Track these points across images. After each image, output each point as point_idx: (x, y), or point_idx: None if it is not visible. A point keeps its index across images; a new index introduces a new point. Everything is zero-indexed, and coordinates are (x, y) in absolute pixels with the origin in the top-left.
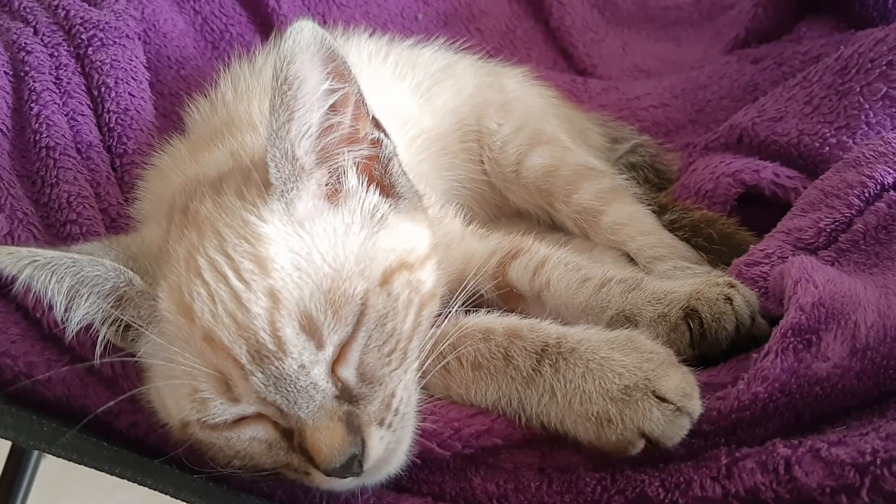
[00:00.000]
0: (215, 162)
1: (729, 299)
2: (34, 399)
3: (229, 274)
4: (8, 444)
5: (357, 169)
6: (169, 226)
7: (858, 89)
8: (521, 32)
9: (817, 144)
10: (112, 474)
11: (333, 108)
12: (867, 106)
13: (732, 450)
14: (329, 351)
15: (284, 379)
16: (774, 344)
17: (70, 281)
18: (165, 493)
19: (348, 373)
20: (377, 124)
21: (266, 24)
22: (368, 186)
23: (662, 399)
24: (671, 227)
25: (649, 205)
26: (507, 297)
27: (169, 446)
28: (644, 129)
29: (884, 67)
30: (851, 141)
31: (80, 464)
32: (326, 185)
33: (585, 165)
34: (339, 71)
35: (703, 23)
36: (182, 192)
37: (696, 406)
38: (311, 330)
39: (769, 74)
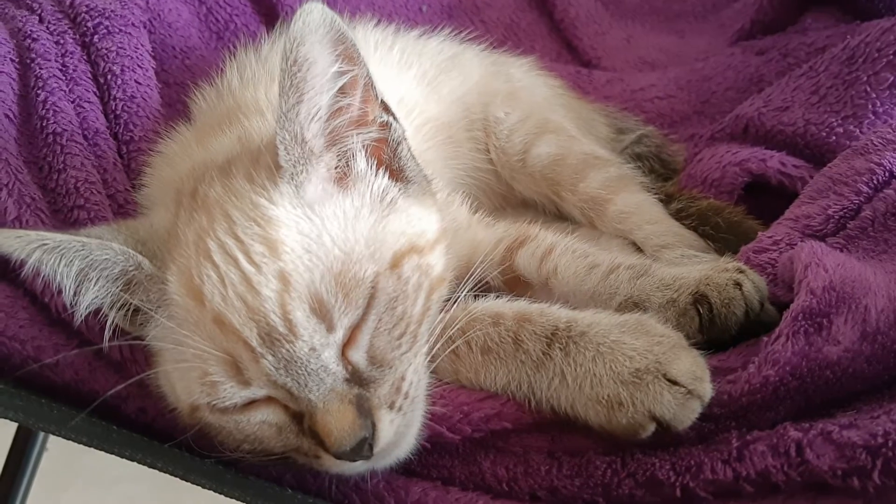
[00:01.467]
0: (222, 147)
1: (738, 284)
2: (42, 383)
3: (239, 256)
4: (10, 438)
5: (366, 152)
6: (178, 209)
7: (865, 79)
8: (524, 24)
9: (824, 134)
10: (122, 457)
11: (343, 91)
12: (874, 95)
13: (743, 433)
14: (340, 334)
15: (295, 362)
16: (785, 327)
17: (79, 265)
18: (175, 476)
19: (359, 356)
20: (386, 108)
21: (271, 15)
22: (377, 170)
23: (673, 382)
24: (678, 215)
25: (656, 194)
26: (514, 285)
27: (177, 431)
28: (649, 121)
29: (891, 57)
30: (858, 130)
31: (90, 446)
32: (336, 168)
33: (592, 154)
34: (348, 53)
35: (706, 15)
36: (190, 177)
37: (707, 389)
38: (322, 313)
39: (774, 66)
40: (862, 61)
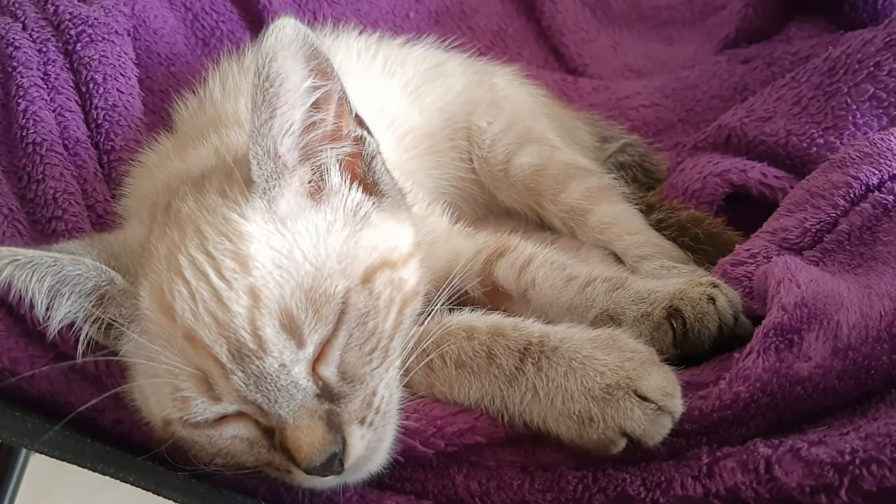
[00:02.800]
0: (200, 159)
1: (712, 299)
2: (18, 396)
3: (210, 272)
4: None
5: (340, 166)
6: (151, 224)
7: (846, 90)
8: (512, 31)
9: (805, 145)
10: (95, 471)
11: (316, 106)
12: (854, 107)
13: (714, 449)
14: (310, 350)
15: (265, 378)
16: (756, 344)
17: (51, 280)
18: (147, 490)
19: (329, 371)
20: (360, 122)
21: (257, 22)
22: (351, 184)
23: (644, 398)
24: (658, 226)
25: (637, 204)
26: (493, 296)
27: (153, 443)
28: (634, 129)
29: (871, 68)
30: (839, 141)
31: (63, 460)
32: (309, 182)
33: (574, 164)
34: (321, 68)
35: (694, 22)
36: (165, 190)
37: (677, 405)
38: (292, 329)
39: (759, 74)
40: (843, 72)
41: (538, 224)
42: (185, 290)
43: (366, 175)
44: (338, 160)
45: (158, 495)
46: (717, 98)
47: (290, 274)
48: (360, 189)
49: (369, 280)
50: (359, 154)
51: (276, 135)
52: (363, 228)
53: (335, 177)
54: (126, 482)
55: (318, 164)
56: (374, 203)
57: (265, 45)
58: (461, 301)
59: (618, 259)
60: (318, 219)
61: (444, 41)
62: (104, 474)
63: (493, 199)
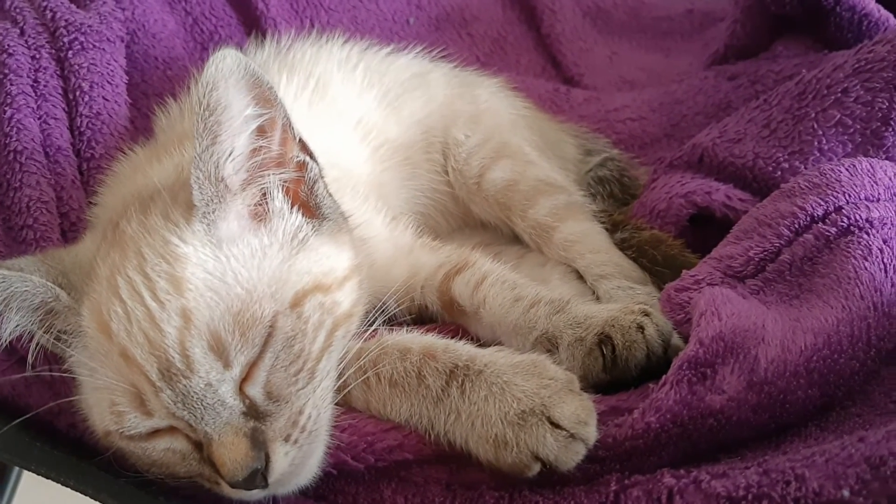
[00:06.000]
0: (161, 174)
1: (641, 328)
2: None
3: (145, 293)
4: None
5: (282, 190)
6: (101, 242)
7: (813, 115)
8: (512, 39)
9: (770, 168)
10: (38, 474)
11: (261, 132)
12: (821, 132)
13: (624, 476)
14: (236, 370)
15: (191, 396)
16: (671, 375)
17: (1, 295)
18: (86, 495)
19: (255, 391)
20: (304, 147)
21: (255, 27)
22: (292, 208)
23: (556, 425)
24: (622, 245)
25: (603, 222)
26: (451, 311)
27: (104, 448)
28: (620, 142)
29: (839, 94)
30: (803, 166)
31: (11, 463)
32: (252, 205)
33: (545, 181)
34: (263, 96)
35: (693, 34)
36: (122, 205)
37: (590, 433)
38: (219, 350)
39: (743, 92)
40: (812, 97)
41: (511, 237)
42: (121, 310)
43: (308, 199)
44: (281, 184)
45: (96, 500)
46: (701, 115)
47: (220, 297)
48: (301, 213)
49: (299, 304)
50: (301, 179)
51: (218, 160)
52: (300, 252)
53: (277, 201)
54: (66, 486)
55: (261, 187)
56: (313, 227)
57: (206, 76)
58: (422, 316)
59: (580, 277)
60: (255, 242)
61: (436, 50)
62: (47, 478)
63: (469, 211)
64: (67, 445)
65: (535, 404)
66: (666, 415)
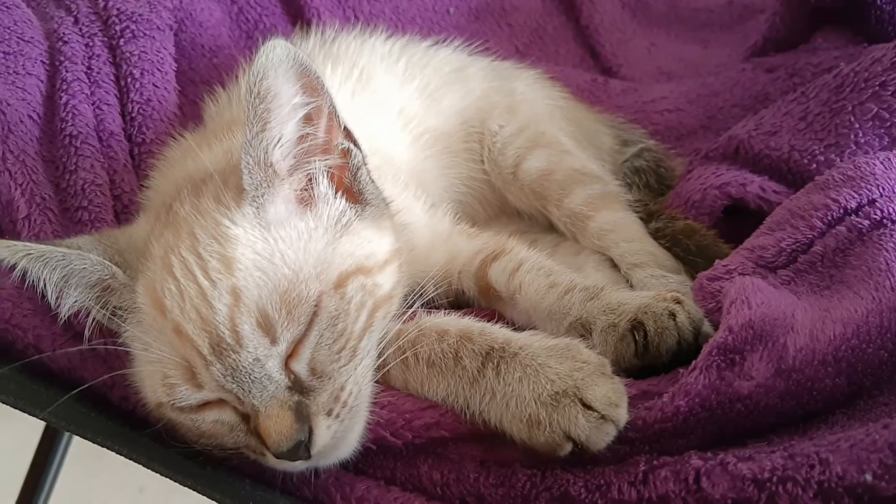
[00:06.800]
0: (211, 160)
1: (673, 315)
2: (41, 369)
3: (197, 272)
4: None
5: (327, 176)
6: (155, 223)
7: (850, 108)
8: (550, 29)
9: (806, 161)
10: (94, 443)
11: (307, 119)
12: (857, 125)
13: (652, 458)
14: (282, 347)
15: (240, 370)
16: (700, 361)
17: (60, 272)
18: (139, 463)
19: (300, 367)
20: (348, 134)
21: (299, 17)
22: (337, 193)
23: (588, 407)
24: (656, 235)
25: (639, 212)
26: (487, 297)
27: (152, 421)
28: (657, 133)
29: (877, 88)
30: (839, 160)
31: (67, 431)
32: (298, 190)
33: (580, 170)
34: (311, 85)
35: (732, 26)
36: (175, 188)
37: (621, 415)
38: (267, 327)
39: (780, 85)
40: (849, 90)
41: (547, 226)
42: (174, 287)
43: (352, 184)
44: (326, 170)
45: (148, 468)
46: (738, 107)
47: (269, 276)
48: (345, 198)
49: (342, 285)
50: (346, 165)
51: (267, 146)
52: (343, 235)
53: (322, 186)
54: (120, 454)
55: (307, 173)
56: (356, 212)
57: (256, 65)
58: (460, 301)
59: (614, 265)
60: (301, 226)
61: (476, 41)
62: (102, 446)
63: (505, 199)
64: (120, 417)
65: (568, 386)
66: (695, 399)
